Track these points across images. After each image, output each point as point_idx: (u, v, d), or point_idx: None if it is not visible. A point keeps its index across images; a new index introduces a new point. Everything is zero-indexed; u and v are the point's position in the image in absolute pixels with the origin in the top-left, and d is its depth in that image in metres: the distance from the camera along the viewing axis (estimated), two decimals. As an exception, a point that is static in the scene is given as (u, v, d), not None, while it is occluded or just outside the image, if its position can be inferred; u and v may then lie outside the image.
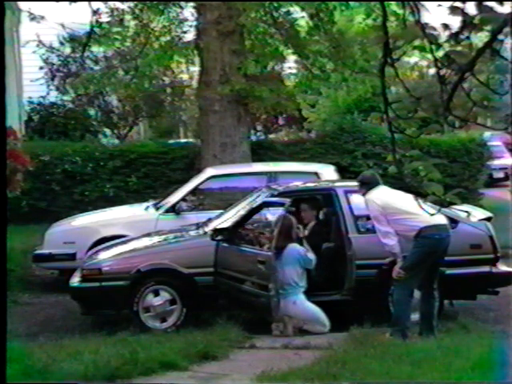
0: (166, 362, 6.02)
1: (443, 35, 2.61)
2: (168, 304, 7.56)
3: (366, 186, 7.17)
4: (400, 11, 8.73)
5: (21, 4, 16.23)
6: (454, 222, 7.55)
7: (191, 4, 14.29)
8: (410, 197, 6.70)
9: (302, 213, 8.37)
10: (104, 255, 8.13)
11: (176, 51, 14.74)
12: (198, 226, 8.40)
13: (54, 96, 18.11)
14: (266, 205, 7.90)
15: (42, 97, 17.91)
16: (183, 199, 9.94)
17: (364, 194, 7.15)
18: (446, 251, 6.92)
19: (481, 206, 11.07)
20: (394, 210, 6.90)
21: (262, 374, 5.72)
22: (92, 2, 11.68)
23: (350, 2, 14.98)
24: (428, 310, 6.94)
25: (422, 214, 6.44)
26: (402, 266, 6.81)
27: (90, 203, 13.28)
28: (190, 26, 14.50)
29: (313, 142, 15.15)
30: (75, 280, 7.86)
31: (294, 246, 7.58)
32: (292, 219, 7.66)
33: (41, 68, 18.10)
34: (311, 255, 7.57)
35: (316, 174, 10.01)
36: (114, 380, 5.62)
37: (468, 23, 2.50)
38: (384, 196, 7.04)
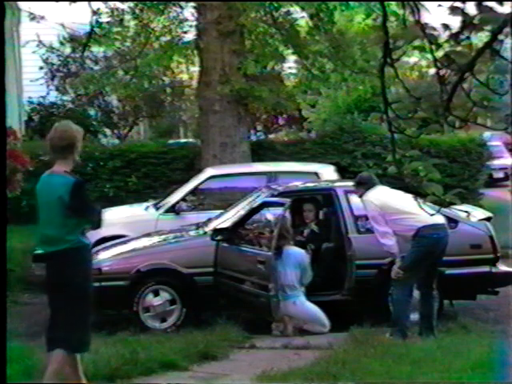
0: (166, 362, 6.02)
1: (443, 35, 2.61)
2: (168, 304, 7.56)
3: (363, 186, 7.17)
4: (400, 11, 8.73)
5: (21, 4, 16.24)
6: (453, 222, 7.56)
7: (191, 4, 14.28)
8: (408, 196, 6.70)
9: (302, 213, 8.37)
10: (104, 255, 8.12)
11: (176, 51, 14.73)
12: (198, 226, 8.40)
13: (53, 96, 18.11)
14: (265, 205, 7.90)
15: (41, 97, 17.92)
16: (183, 199, 9.94)
17: (361, 195, 7.15)
18: (444, 251, 6.92)
19: (481, 206, 11.05)
20: (392, 210, 6.90)
21: (262, 374, 5.72)
22: (92, 2, 11.73)
23: (350, 2, 14.98)
24: (428, 310, 6.94)
25: (420, 213, 6.44)
26: (401, 266, 6.81)
27: (90, 203, 13.24)
28: (190, 26, 14.48)
29: (313, 142, 15.12)
30: (75, 280, 7.85)
31: (298, 251, 7.59)
32: (289, 219, 7.66)
33: (41, 68, 18.10)
34: (310, 272, 7.59)
35: (316, 174, 10.00)
36: (114, 380, 5.62)
37: (468, 23, 2.50)
38: (382, 196, 7.04)
